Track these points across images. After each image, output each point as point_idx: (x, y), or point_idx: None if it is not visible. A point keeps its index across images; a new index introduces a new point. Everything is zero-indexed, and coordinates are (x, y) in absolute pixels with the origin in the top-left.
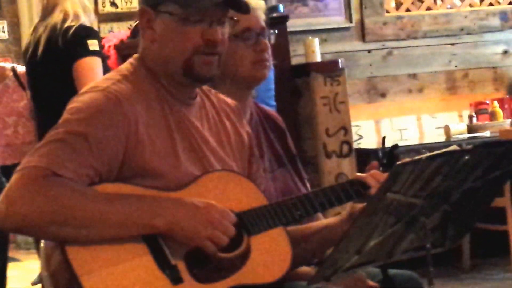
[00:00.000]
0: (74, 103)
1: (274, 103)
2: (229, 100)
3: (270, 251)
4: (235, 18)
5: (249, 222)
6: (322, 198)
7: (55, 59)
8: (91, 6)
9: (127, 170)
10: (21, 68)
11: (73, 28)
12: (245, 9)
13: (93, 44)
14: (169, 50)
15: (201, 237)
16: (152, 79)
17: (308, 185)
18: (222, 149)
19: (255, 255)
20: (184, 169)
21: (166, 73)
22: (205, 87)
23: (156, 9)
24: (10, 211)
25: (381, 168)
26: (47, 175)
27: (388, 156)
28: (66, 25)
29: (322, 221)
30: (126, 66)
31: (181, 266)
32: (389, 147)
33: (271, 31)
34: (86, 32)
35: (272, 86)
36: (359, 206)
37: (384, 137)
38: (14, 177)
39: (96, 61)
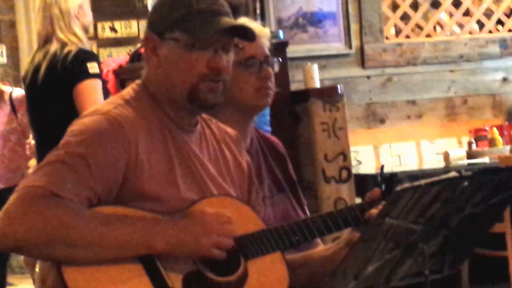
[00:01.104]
0: (75, 126)
1: (269, 128)
2: (229, 129)
3: (268, 276)
4: (240, 46)
5: (246, 246)
6: (320, 224)
7: (55, 83)
8: (89, 32)
9: (126, 193)
10: (16, 92)
11: (73, 53)
12: (252, 38)
13: (93, 67)
14: (175, 77)
15: (205, 247)
16: (154, 105)
17: (308, 211)
18: (221, 176)
19: (252, 279)
20: (183, 194)
21: (169, 99)
22: (205, 116)
23: (162, 36)
24: (8, 230)
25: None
26: (46, 195)
27: (387, 186)
28: (65, 50)
29: (320, 248)
30: (128, 91)
31: None
32: (388, 175)
33: (275, 59)
34: (86, 56)
35: (267, 111)
36: (357, 235)
37: (382, 166)
38: (13, 196)
39: (97, 84)
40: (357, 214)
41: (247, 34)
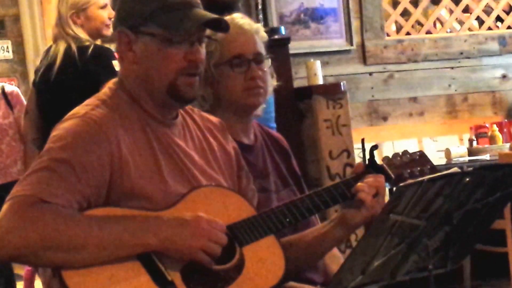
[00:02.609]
0: (56, 131)
1: (274, 124)
2: (212, 117)
3: (264, 260)
4: (213, 38)
5: (240, 233)
6: (308, 203)
7: (72, 79)
8: (86, 35)
9: (115, 194)
10: (9, 88)
11: (91, 48)
12: (225, 29)
13: (117, 65)
14: (152, 72)
15: (194, 250)
16: (132, 102)
17: None
18: (208, 165)
19: (249, 265)
20: (171, 188)
21: (147, 94)
22: (187, 106)
23: (136, 30)
24: (2, 241)
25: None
26: (35, 202)
27: (370, 155)
28: (80, 45)
29: (316, 227)
30: (104, 91)
31: (178, 281)
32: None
33: (266, 55)
34: (108, 53)
35: (272, 108)
36: (352, 212)
37: (363, 139)
38: (3, 207)
39: None
40: (343, 190)
41: (221, 26)
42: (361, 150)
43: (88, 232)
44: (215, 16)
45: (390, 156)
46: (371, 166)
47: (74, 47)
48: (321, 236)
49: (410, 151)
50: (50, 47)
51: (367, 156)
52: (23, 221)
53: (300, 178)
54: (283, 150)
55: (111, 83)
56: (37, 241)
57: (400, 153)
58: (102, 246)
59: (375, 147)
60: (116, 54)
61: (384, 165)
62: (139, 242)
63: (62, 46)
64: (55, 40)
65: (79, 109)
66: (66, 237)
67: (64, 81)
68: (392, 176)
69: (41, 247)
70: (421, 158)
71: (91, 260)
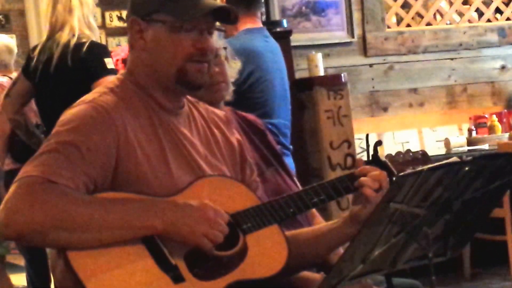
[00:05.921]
0: (64, 116)
1: (276, 120)
2: (218, 110)
3: (267, 248)
4: (223, 28)
5: (243, 222)
6: (312, 195)
7: (68, 75)
8: (97, 21)
9: (120, 179)
10: None
11: (87, 45)
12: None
13: (110, 63)
14: (161, 58)
15: (198, 235)
16: (140, 91)
17: (297, 181)
18: (212, 155)
19: (252, 252)
20: (176, 176)
21: (156, 81)
22: (192, 99)
23: (147, 19)
24: (10, 220)
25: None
26: (42, 183)
27: (373, 151)
28: (77, 42)
29: (326, 223)
30: (112, 80)
31: (182, 265)
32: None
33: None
34: (102, 50)
35: (272, 101)
36: (358, 208)
37: (367, 135)
38: (11, 188)
39: None
40: (347, 183)
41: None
42: (362, 140)
43: (93, 213)
44: (222, 5)
45: (393, 154)
46: (374, 162)
47: (73, 41)
48: (330, 231)
49: (410, 141)
50: (48, 39)
51: (371, 152)
52: (30, 200)
53: (280, 155)
54: (259, 131)
55: (119, 74)
56: (42, 221)
57: (403, 152)
58: (107, 226)
59: (379, 142)
60: (111, 52)
61: (387, 161)
62: (144, 224)
63: (61, 42)
64: (56, 30)
65: (87, 96)
66: (71, 217)
67: (62, 76)
68: (395, 171)
69: (46, 227)
70: (423, 157)
71: (96, 241)
